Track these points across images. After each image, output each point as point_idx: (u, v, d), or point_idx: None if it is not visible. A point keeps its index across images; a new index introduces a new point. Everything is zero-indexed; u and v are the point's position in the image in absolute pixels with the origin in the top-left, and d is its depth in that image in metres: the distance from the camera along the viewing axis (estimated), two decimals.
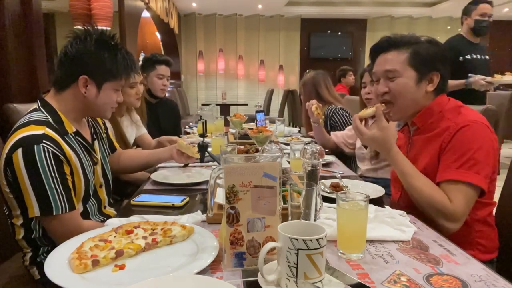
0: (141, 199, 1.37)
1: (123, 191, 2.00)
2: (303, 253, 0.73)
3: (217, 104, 5.93)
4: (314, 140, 2.59)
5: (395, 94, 1.36)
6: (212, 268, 0.87)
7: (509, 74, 4.16)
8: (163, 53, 7.35)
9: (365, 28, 9.17)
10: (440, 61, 1.37)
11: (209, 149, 1.93)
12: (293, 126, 6.02)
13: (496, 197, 1.39)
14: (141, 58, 4.00)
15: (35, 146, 1.17)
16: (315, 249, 0.73)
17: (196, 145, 1.79)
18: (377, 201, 1.33)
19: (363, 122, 1.37)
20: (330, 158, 2.08)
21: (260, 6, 8.14)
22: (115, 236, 1.00)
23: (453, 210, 1.21)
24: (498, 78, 3.61)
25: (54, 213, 1.19)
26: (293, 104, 7.05)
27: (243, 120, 2.67)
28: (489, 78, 3.22)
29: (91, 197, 1.40)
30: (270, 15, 8.87)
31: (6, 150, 1.19)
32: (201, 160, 1.88)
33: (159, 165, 1.90)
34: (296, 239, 0.73)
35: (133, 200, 1.36)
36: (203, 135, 1.97)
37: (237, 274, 0.85)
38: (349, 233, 0.94)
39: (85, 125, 1.46)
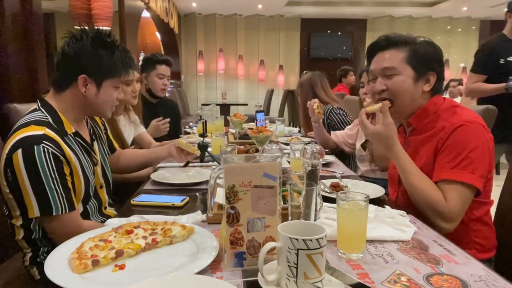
0: (141, 199, 1.37)
1: (123, 191, 2.00)
2: (303, 253, 0.73)
3: (217, 104, 5.93)
4: (314, 140, 2.59)
5: (393, 92, 1.36)
6: (212, 268, 0.87)
7: None
8: (163, 53, 7.35)
9: (365, 28, 9.17)
10: (436, 62, 1.38)
11: (209, 149, 1.93)
12: (293, 126, 6.02)
13: (493, 196, 1.39)
14: (141, 58, 4.00)
15: (35, 146, 1.17)
16: (315, 249, 0.73)
17: (196, 145, 1.78)
18: (377, 201, 1.33)
19: (370, 117, 1.37)
20: (330, 158, 2.08)
21: (260, 6, 8.14)
22: (115, 236, 1.00)
23: (448, 210, 1.21)
24: None
25: (54, 214, 1.19)
26: (293, 104, 7.05)
27: (243, 120, 2.67)
28: None
29: (92, 197, 1.40)
30: (270, 15, 8.87)
31: (6, 150, 1.19)
32: (201, 160, 1.88)
33: (159, 165, 1.90)
34: (296, 239, 0.73)
35: (133, 200, 1.36)
36: (203, 135, 1.97)
37: (237, 274, 0.85)
38: (349, 233, 0.94)
39: (84, 126, 1.46)
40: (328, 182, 1.48)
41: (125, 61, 1.38)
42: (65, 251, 0.92)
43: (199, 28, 8.80)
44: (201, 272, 0.84)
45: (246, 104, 8.01)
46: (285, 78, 9.04)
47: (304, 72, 3.17)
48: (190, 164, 1.86)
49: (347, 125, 2.70)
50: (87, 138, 1.43)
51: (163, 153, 1.73)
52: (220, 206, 1.07)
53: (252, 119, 2.99)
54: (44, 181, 1.17)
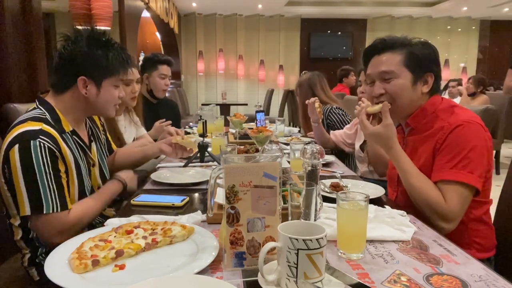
0: (141, 199, 1.37)
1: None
2: (303, 253, 0.73)
3: (217, 104, 5.93)
4: (314, 140, 2.59)
5: (392, 96, 1.36)
6: (212, 268, 0.87)
7: None
8: (163, 53, 7.35)
9: (365, 28, 9.17)
10: (433, 62, 1.38)
11: (209, 149, 1.93)
12: (293, 126, 6.02)
13: (493, 196, 1.39)
14: (141, 58, 4.00)
15: (32, 141, 1.16)
16: (315, 249, 0.73)
17: (196, 145, 1.78)
18: (377, 201, 1.33)
19: (370, 118, 1.37)
20: (330, 158, 2.08)
21: (260, 6, 8.14)
22: (115, 236, 1.00)
23: (447, 210, 1.21)
24: None
25: (44, 212, 1.17)
26: (293, 104, 7.06)
27: (243, 120, 2.67)
28: None
29: None
30: (270, 15, 8.88)
31: (4, 147, 1.19)
32: (201, 160, 1.88)
33: (159, 165, 1.90)
34: (296, 239, 0.73)
35: (133, 200, 1.36)
36: (203, 135, 1.97)
37: (237, 274, 0.85)
38: (349, 233, 0.94)
39: (83, 127, 1.46)
40: (328, 182, 1.48)
41: (122, 59, 1.37)
42: (65, 251, 0.92)
43: (199, 28, 8.80)
44: (201, 272, 0.84)
45: (246, 104, 8.01)
46: (285, 78, 9.05)
47: (303, 72, 3.17)
48: (190, 164, 1.86)
49: (346, 125, 2.70)
50: (85, 139, 1.43)
51: (151, 152, 1.74)
52: (220, 206, 1.07)
53: (252, 119, 2.99)
54: (38, 176, 1.16)
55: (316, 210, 1.00)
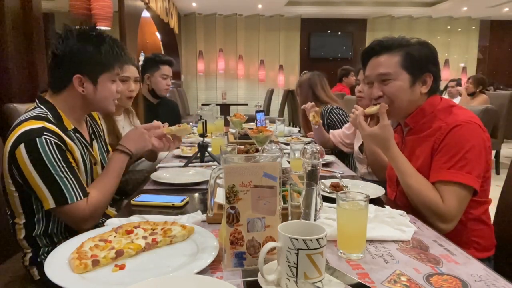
0: (141, 199, 1.37)
1: (122, 191, 2.00)
2: (303, 253, 0.73)
3: (217, 104, 5.93)
4: (314, 140, 2.59)
5: (390, 98, 1.37)
6: (212, 268, 0.87)
7: None
8: (163, 53, 7.36)
9: (365, 28, 9.17)
10: (431, 62, 1.38)
11: (209, 149, 1.93)
12: (293, 126, 6.02)
13: (493, 195, 1.39)
14: (141, 58, 3.99)
15: (37, 139, 1.17)
16: (315, 249, 0.73)
17: (196, 145, 1.78)
18: (377, 201, 1.33)
19: (369, 119, 1.37)
20: (330, 158, 2.08)
21: (260, 6, 8.14)
22: (115, 236, 1.00)
23: (445, 211, 1.22)
24: None
25: (69, 202, 1.20)
26: (293, 104, 7.06)
27: (243, 120, 2.67)
28: None
29: None
30: (270, 15, 8.88)
31: (8, 148, 1.19)
32: (201, 160, 1.88)
33: (159, 165, 1.90)
34: (296, 239, 0.73)
35: (133, 200, 1.36)
36: (203, 135, 1.97)
37: (237, 274, 0.85)
38: (349, 233, 0.94)
39: (84, 125, 1.46)
40: (328, 182, 1.48)
41: (116, 52, 1.35)
42: (65, 251, 0.92)
43: (199, 28, 8.80)
44: (201, 272, 0.84)
45: (246, 104, 8.01)
46: (285, 78, 9.05)
47: (304, 72, 3.17)
48: (190, 164, 1.86)
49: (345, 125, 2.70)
50: (87, 137, 1.43)
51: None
52: (220, 206, 1.07)
53: (252, 119, 2.99)
54: (53, 171, 1.18)
55: (316, 210, 1.00)
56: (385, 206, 1.24)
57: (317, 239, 0.73)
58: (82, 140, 1.38)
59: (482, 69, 9.20)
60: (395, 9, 8.41)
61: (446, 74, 8.36)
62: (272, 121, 3.28)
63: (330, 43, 9.13)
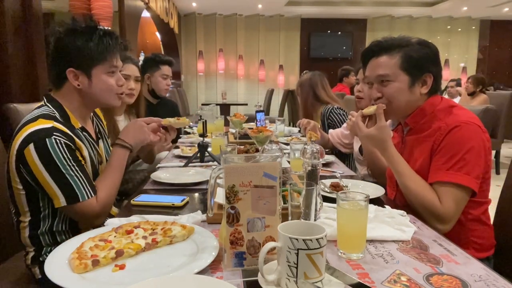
0: (141, 199, 1.37)
1: (123, 191, 2.00)
2: (303, 253, 0.73)
3: (217, 104, 5.94)
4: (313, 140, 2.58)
5: (388, 99, 1.37)
6: (212, 268, 0.87)
7: None
8: (163, 53, 7.36)
9: (365, 28, 9.18)
10: (432, 62, 1.37)
11: (209, 149, 1.93)
12: (293, 126, 6.02)
13: (493, 195, 1.39)
14: (141, 58, 3.99)
15: (47, 139, 1.18)
16: (315, 249, 0.73)
17: (196, 145, 1.78)
18: (377, 201, 1.33)
19: (367, 120, 1.37)
20: (330, 158, 2.08)
21: (260, 6, 8.14)
22: (115, 236, 1.00)
23: (442, 212, 1.21)
24: None
25: (80, 200, 1.22)
26: (293, 104, 7.06)
27: (243, 120, 2.67)
28: None
29: None
30: (270, 15, 8.88)
31: (16, 146, 1.19)
32: (201, 160, 1.88)
33: (159, 165, 1.90)
34: (296, 239, 0.73)
35: (133, 200, 1.36)
36: (203, 135, 1.97)
37: (237, 274, 0.85)
38: (349, 233, 0.94)
39: (90, 124, 1.47)
40: (328, 182, 1.48)
41: (108, 44, 1.32)
42: (65, 251, 0.92)
43: (199, 28, 8.81)
44: (201, 272, 0.84)
45: (246, 104, 8.02)
46: (285, 78, 9.05)
47: (304, 72, 3.17)
48: (190, 164, 1.86)
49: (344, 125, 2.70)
50: (93, 136, 1.44)
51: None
52: (220, 206, 1.07)
53: (252, 119, 2.99)
54: (63, 170, 1.19)
55: (316, 210, 1.00)
56: (385, 206, 1.24)
57: (317, 239, 0.73)
58: (90, 138, 1.39)
59: (482, 69, 9.21)
60: (395, 9, 8.41)
61: (446, 74, 8.36)
62: (272, 121, 3.27)
63: (330, 43, 9.14)
